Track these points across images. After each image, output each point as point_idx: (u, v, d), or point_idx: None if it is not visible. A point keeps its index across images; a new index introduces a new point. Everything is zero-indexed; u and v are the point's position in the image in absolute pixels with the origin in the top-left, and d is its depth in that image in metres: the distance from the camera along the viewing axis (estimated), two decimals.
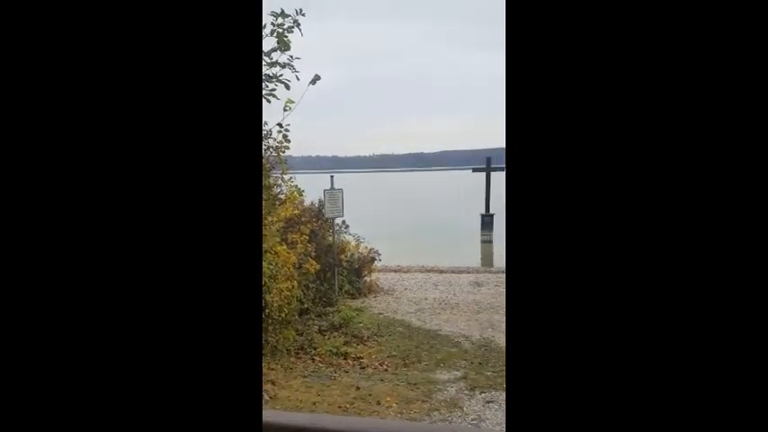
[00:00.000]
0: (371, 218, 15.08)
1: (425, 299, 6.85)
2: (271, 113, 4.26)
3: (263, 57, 3.81)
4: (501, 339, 5.12)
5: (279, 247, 4.77)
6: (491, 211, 13.75)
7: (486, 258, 11.55)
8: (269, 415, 1.64)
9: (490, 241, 13.10)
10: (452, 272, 8.91)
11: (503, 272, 8.81)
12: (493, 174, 14.00)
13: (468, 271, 9.05)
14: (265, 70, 3.84)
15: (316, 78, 5.31)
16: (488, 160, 14.29)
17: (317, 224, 6.82)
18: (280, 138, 4.39)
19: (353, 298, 6.91)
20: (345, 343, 5.01)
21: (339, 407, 3.37)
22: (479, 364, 4.43)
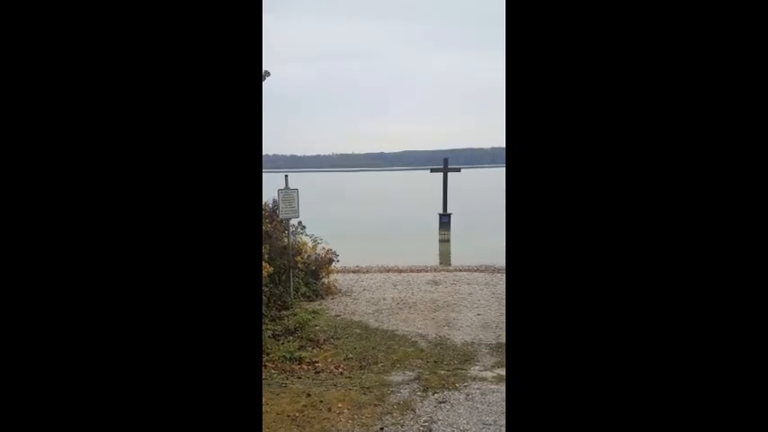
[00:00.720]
0: (330, 218, 14.90)
1: (384, 299, 6.80)
2: None
3: None
4: (456, 337, 5.16)
5: None
6: (448, 211, 13.95)
7: (444, 257, 11.71)
8: None
9: (448, 240, 13.31)
10: (411, 271, 8.92)
11: (460, 270, 8.94)
12: (450, 174, 14.20)
13: (426, 270, 9.10)
14: None
15: (265, 74, 5.12)
16: (445, 161, 14.49)
17: (272, 225, 6.60)
18: None
19: (310, 300, 6.74)
20: (300, 347, 4.85)
21: (288, 416, 3.23)
22: (434, 362, 4.43)
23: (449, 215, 13.84)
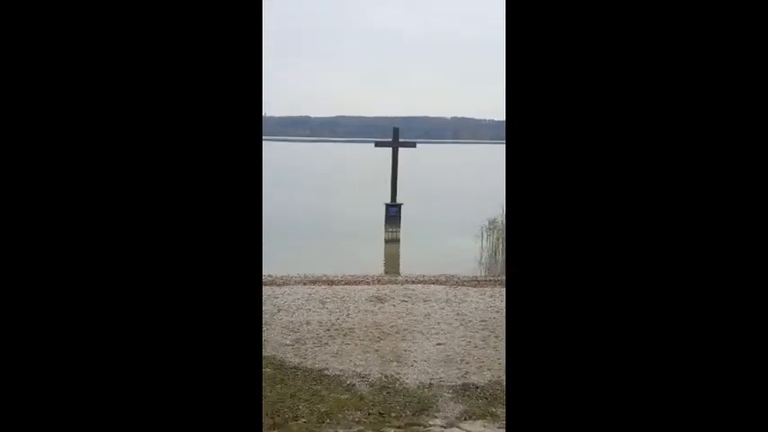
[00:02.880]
0: None
1: (307, 323, 6.67)
2: None
3: None
4: (408, 377, 5.11)
5: None
6: (398, 201, 13.95)
7: (392, 263, 11.73)
8: None
9: (397, 240, 13.35)
10: (346, 283, 8.88)
11: (412, 282, 8.98)
12: (402, 150, 14.14)
13: (367, 281, 9.10)
14: None
15: None
16: (395, 132, 14.32)
17: None
18: None
19: None
20: None
21: None
22: (379, 414, 4.35)
23: (399, 206, 13.87)
